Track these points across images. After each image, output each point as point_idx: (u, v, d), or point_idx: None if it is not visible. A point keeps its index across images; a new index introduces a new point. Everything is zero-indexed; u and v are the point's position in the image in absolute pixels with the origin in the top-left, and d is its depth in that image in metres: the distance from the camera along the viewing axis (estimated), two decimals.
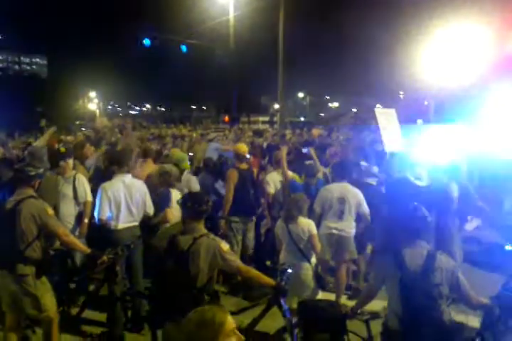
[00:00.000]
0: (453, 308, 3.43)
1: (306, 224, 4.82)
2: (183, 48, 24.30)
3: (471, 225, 6.21)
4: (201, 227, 3.57)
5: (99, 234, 5.15)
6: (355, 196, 5.61)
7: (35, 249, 4.09)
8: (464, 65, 10.87)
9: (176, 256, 3.44)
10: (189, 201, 3.58)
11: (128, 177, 5.27)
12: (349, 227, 5.59)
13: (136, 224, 5.23)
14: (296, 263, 4.61)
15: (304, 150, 7.98)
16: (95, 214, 5.11)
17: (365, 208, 5.61)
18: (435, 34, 11.01)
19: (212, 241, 3.46)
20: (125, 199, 5.12)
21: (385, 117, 7.85)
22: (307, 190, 6.30)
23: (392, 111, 8.17)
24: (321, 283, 4.75)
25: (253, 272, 3.62)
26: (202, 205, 3.55)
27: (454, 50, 10.89)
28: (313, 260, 4.80)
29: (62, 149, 6.04)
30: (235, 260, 3.53)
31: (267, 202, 6.49)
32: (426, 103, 19.11)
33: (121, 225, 5.10)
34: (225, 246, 3.47)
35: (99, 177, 6.00)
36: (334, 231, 5.54)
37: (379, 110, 8.31)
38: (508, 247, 5.36)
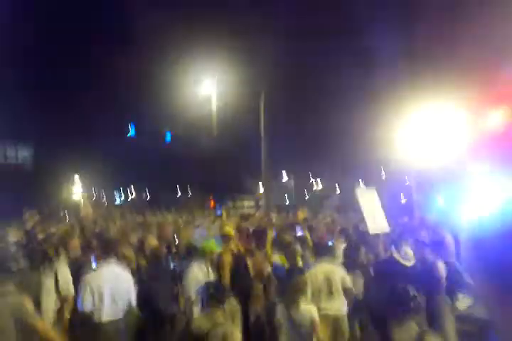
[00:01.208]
0: None
1: (309, 310, 4.74)
2: (167, 138, 25.01)
3: (463, 303, 6.10)
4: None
5: (82, 329, 4.96)
6: (339, 273, 5.70)
7: None
8: (442, 145, 11.26)
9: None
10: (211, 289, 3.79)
11: (113, 267, 5.19)
12: (341, 306, 5.57)
13: (121, 317, 5.04)
14: None
15: (298, 231, 7.95)
16: (78, 306, 4.96)
17: (349, 283, 5.65)
18: (412, 115, 11.54)
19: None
20: (109, 291, 4.98)
21: (367, 197, 7.67)
22: (291, 272, 6.24)
23: (373, 190, 8.01)
24: None
25: None
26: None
27: (431, 131, 11.33)
28: None
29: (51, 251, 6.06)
30: None
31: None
32: (407, 183, 19.58)
33: (105, 319, 4.91)
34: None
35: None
36: (328, 312, 5.45)
37: (359, 190, 8.17)
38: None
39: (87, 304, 4.88)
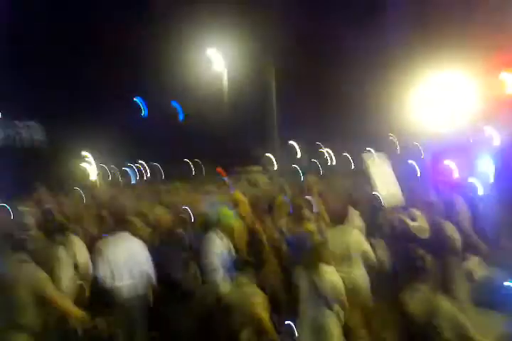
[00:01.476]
0: None
1: (330, 273, 4.68)
2: (180, 116, 24.83)
3: (473, 264, 6.13)
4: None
5: (98, 294, 5.06)
6: (355, 236, 5.65)
7: (30, 317, 3.98)
8: (453, 110, 11.12)
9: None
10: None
11: (126, 236, 5.25)
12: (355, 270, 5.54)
13: (135, 282, 5.13)
14: (318, 314, 4.49)
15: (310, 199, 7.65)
16: (93, 274, 5.05)
17: (366, 246, 5.63)
18: (423, 81, 11.35)
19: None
20: (123, 258, 5.06)
21: (378, 165, 7.01)
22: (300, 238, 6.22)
23: (383, 157, 7.41)
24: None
25: None
26: None
27: (443, 95, 11.15)
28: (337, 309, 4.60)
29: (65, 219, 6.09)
30: None
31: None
32: (419, 147, 19.41)
33: (119, 284, 5.00)
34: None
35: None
36: (344, 274, 5.41)
37: (368, 156, 7.33)
38: (508, 284, 5.28)
39: (103, 271, 4.95)
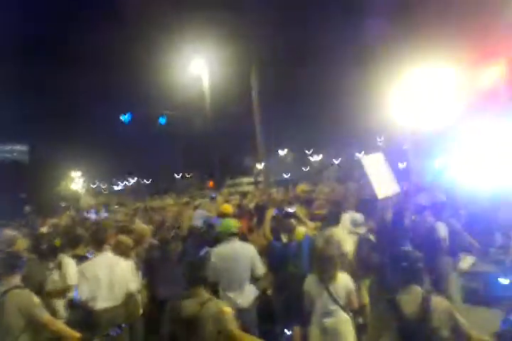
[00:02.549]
0: None
1: (344, 279, 4.67)
2: (162, 120, 24.82)
3: (466, 263, 6.16)
4: (204, 292, 3.61)
5: (80, 316, 4.99)
6: (339, 236, 5.72)
7: None
8: (439, 105, 11.18)
9: (181, 322, 3.45)
10: (189, 268, 3.69)
11: (108, 256, 5.19)
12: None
13: (118, 303, 5.06)
14: (335, 320, 4.50)
15: (290, 210, 7.84)
16: (75, 295, 5.00)
17: (350, 246, 5.69)
18: (407, 77, 11.39)
19: (218, 304, 3.52)
20: (106, 279, 5.00)
21: (373, 163, 7.51)
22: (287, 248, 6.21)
23: (380, 156, 7.80)
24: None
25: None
26: (201, 271, 3.67)
27: (426, 92, 11.20)
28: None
29: (57, 243, 6.05)
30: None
31: None
32: (404, 147, 19.52)
33: (100, 306, 4.94)
34: (228, 309, 3.49)
35: None
36: None
37: (365, 157, 8.02)
38: (502, 281, 5.32)
39: (83, 293, 4.91)
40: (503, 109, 10.13)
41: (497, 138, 8.94)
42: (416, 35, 18.22)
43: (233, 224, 5.65)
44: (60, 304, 5.40)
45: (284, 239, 6.13)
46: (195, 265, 3.84)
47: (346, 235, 5.94)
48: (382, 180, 7.24)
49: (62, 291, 5.45)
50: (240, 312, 5.17)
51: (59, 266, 5.57)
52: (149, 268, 6.09)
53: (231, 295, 5.24)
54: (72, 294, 5.33)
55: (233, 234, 5.52)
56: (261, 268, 5.41)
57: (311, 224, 6.94)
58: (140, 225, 7.91)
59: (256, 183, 31.91)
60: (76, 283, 5.06)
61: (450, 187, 8.41)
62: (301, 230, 6.32)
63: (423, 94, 10.74)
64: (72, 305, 5.26)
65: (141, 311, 5.45)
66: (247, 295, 5.32)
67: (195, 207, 11.39)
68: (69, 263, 5.64)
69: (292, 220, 6.44)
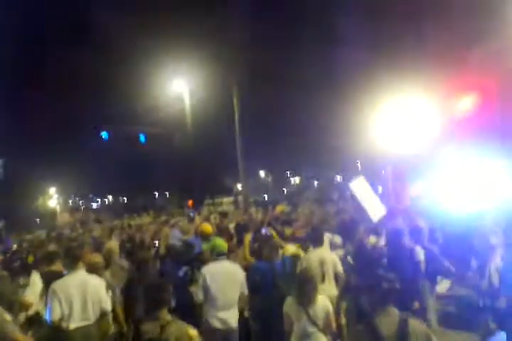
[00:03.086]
0: None
1: (324, 302, 4.66)
2: (142, 138, 24.72)
3: (443, 286, 6.23)
4: (166, 314, 3.55)
5: (53, 335, 4.88)
6: (331, 258, 5.93)
7: None
8: (415, 132, 11.45)
9: None
10: (150, 290, 3.62)
11: (82, 274, 5.10)
12: (332, 289, 5.73)
13: (91, 323, 4.96)
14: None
15: (263, 231, 7.89)
16: (47, 315, 4.88)
17: (340, 268, 5.87)
18: (386, 104, 11.68)
19: (181, 327, 3.43)
20: (78, 298, 4.90)
21: (360, 187, 7.80)
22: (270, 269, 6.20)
23: (362, 179, 8.16)
24: None
25: None
26: (163, 294, 3.60)
27: (404, 119, 11.50)
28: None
29: (30, 259, 5.95)
30: None
31: None
32: (383, 171, 19.74)
33: (72, 326, 4.83)
34: (193, 332, 3.44)
35: None
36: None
37: (353, 184, 8.14)
38: (478, 305, 5.38)
39: (55, 312, 4.80)
40: (474, 138, 10.50)
41: (471, 165, 9.19)
42: (395, 66, 18.71)
43: (223, 243, 5.67)
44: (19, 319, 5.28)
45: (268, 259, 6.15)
46: (155, 287, 3.77)
47: (335, 256, 6.04)
48: (371, 204, 7.50)
49: (24, 307, 5.35)
50: (230, 333, 5.17)
51: (30, 284, 5.47)
52: (126, 287, 6.02)
53: (223, 315, 5.23)
54: (32, 312, 5.24)
55: (223, 254, 5.52)
56: (246, 289, 5.42)
57: (291, 246, 6.96)
58: (109, 243, 7.83)
59: (236, 203, 31.87)
60: (48, 302, 4.95)
61: (427, 212, 8.52)
62: (290, 249, 6.43)
63: (400, 121, 11.02)
64: (40, 323, 5.16)
65: (113, 330, 5.35)
66: (236, 315, 5.33)
67: (172, 226, 11.34)
68: (34, 282, 5.55)
69: (277, 239, 6.51)
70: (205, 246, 5.97)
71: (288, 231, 8.38)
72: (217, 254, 5.49)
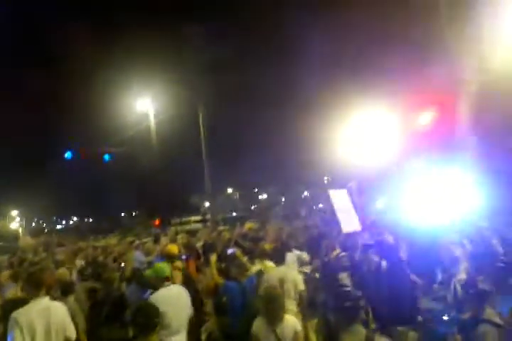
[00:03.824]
0: None
1: (292, 321, 4.58)
2: (107, 158, 24.39)
3: None
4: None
5: None
6: (291, 276, 5.89)
7: None
8: (378, 147, 11.67)
9: None
10: (139, 315, 3.54)
11: (45, 301, 4.88)
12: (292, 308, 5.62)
13: None
14: None
15: (229, 251, 7.81)
16: None
17: (302, 286, 5.81)
18: (350, 119, 11.90)
19: None
20: (41, 327, 4.68)
21: (339, 198, 7.80)
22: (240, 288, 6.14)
23: (344, 192, 8.13)
24: None
25: None
26: (154, 318, 3.54)
27: (367, 134, 11.71)
28: None
29: None
30: None
31: None
32: (349, 184, 19.97)
33: None
34: None
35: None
36: None
37: (332, 192, 8.09)
38: (444, 317, 5.42)
39: None
40: (435, 151, 10.80)
41: (434, 177, 9.37)
42: (359, 82, 19.15)
43: (164, 267, 5.51)
44: None
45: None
46: (147, 311, 3.79)
47: (297, 274, 6.05)
48: (346, 216, 7.47)
49: None
50: None
51: None
52: (92, 309, 5.84)
53: (177, 339, 5.08)
54: None
55: (166, 278, 5.38)
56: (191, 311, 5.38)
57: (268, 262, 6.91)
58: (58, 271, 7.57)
59: (203, 221, 31.60)
60: (9, 332, 4.71)
61: (393, 225, 8.61)
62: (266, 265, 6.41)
63: (363, 135, 11.22)
64: None
65: None
66: (185, 338, 5.22)
67: (136, 248, 11.14)
68: None
69: (241, 258, 6.46)
70: (148, 272, 5.84)
71: (268, 246, 8.32)
72: (161, 280, 5.36)
